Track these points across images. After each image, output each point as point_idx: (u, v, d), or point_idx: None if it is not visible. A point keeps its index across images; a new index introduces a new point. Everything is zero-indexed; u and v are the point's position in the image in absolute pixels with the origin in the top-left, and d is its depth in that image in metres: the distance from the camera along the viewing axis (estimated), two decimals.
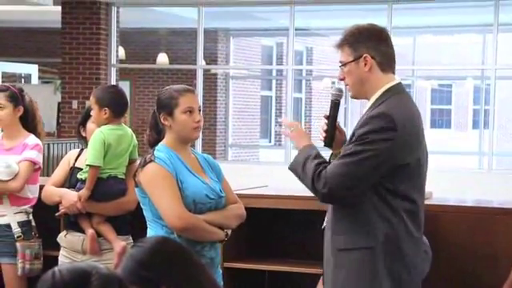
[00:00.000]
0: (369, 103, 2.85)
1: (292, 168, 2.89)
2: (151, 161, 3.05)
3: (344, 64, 2.85)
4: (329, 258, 2.88)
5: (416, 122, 2.83)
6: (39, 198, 3.96)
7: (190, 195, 3.05)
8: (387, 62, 2.84)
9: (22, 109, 4.01)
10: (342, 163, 2.73)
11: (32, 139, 4.00)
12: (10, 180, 3.90)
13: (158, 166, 3.04)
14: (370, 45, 2.81)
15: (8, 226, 3.93)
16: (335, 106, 2.94)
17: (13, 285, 3.93)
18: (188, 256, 1.97)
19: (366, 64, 2.80)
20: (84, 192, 3.65)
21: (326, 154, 2.99)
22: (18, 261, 3.89)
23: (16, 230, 3.92)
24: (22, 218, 3.96)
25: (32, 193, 4.00)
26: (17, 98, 4.00)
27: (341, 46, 2.86)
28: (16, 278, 3.93)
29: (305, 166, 2.81)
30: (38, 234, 3.99)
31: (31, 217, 4.00)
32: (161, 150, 3.10)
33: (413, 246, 2.81)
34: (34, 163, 3.95)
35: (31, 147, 3.96)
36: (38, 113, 4.13)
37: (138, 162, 3.77)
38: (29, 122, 4.04)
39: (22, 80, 15.15)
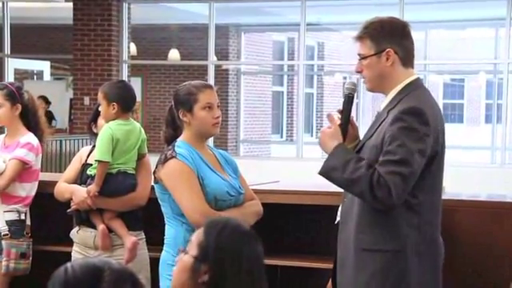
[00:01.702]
0: (388, 98, 2.81)
1: (325, 172, 2.73)
2: (172, 157, 3.04)
3: (364, 57, 2.79)
4: (346, 257, 2.82)
5: (441, 117, 2.81)
6: (51, 195, 3.96)
7: (211, 192, 3.04)
8: (408, 56, 2.80)
9: (19, 106, 4.00)
10: (398, 163, 2.61)
11: (26, 138, 3.98)
12: None
13: (180, 162, 3.03)
14: (393, 39, 2.76)
15: None
16: (349, 99, 2.88)
17: None
18: (243, 260, 1.96)
19: (388, 58, 2.76)
20: (93, 188, 3.65)
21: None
22: (3, 259, 3.90)
23: (3, 228, 3.92)
24: (12, 216, 3.95)
25: (26, 191, 3.99)
26: (14, 95, 3.99)
27: (361, 38, 2.79)
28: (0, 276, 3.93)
29: (348, 170, 2.66)
30: (47, 231, 4.00)
31: (24, 216, 3.99)
32: (181, 146, 3.09)
33: (437, 246, 2.80)
34: (23, 162, 3.94)
35: (21, 145, 3.95)
36: (40, 110, 4.13)
37: (149, 157, 3.78)
38: (29, 119, 4.03)
39: (35, 77, 15.21)
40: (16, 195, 3.97)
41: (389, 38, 2.76)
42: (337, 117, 2.89)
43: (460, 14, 13.43)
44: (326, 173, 2.74)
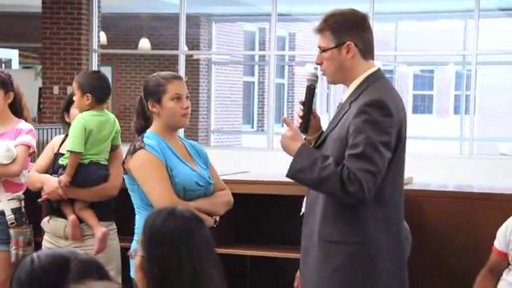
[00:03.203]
0: (349, 89, 2.83)
1: (293, 174, 2.74)
2: (141, 148, 3.05)
3: (325, 50, 2.81)
4: (310, 248, 2.83)
5: (403, 107, 2.84)
6: None
7: (180, 182, 3.06)
8: (368, 49, 2.82)
9: (12, 95, 3.99)
10: (365, 158, 2.63)
11: (25, 124, 3.99)
12: (9, 164, 3.88)
13: (148, 153, 3.04)
14: (353, 32, 2.78)
15: (1, 213, 3.91)
16: (311, 91, 2.90)
17: (2, 272, 3.91)
18: (190, 244, 1.97)
19: (348, 51, 2.78)
20: (64, 178, 3.64)
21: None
22: (12, 247, 3.87)
23: (10, 216, 3.90)
24: (15, 204, 3.94)
25: (24, 178, 3.99)
26: (7, 83, 3.99)
27: (322, 30, 2.81)
28: (5, 265, 3.90)
29: (316, 170, 2.66)
30: (28, 221, 3.98)
31: (23, 203, 3.99)
32: (150, 137, 3.10)
33: (402, 236, 2.82)
34: (29, 147, 3.94)
35: (26, 132, 3.95)
36: (24, 98, 4.11)
37: (122, 148, 3.78)
38: (16, 107, 4.03)
39: (3, 65, 15.03)
40: (18, 182, 3.97)
41: (349, 30, 2.78)
42: (299, 108, 2.90)
43: (429, 6, 13.52)
44: (293, 175, 2.75)
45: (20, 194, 3.97)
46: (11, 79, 4.02)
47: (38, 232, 3.93)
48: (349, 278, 2.75)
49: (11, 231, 3.89)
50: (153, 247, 1.94)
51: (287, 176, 2.77)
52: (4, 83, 3.97)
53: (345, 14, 2.82)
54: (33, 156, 4.03)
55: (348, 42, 2.77)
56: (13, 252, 3.88)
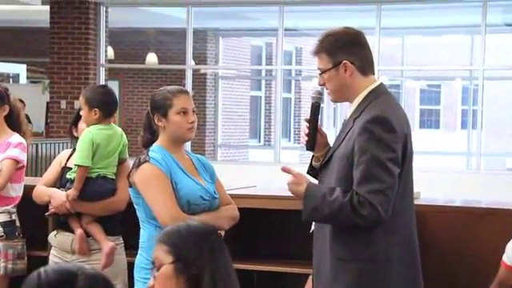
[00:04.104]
0: (352, 106, 2.84)
1: (309, 215, 2.77)
2: (146, 161, 3.07)
3: (324, 71, 2.83)
4: (322, 266, 2.83)
5: (406, 121, 2.84)
6: (30, 198, 3.95)
7: (184, 196, 3.06)
8: (367, 65, 2.83)
9: (7, 108, 4.00)
10: (373, 178, 2.64)
11: (16, 138, 3.99)
12: None
13: (153, 166, 3.05)
14: (348, 51, 2.79)
15: None
16: (316, 108, 2.92)
17: None
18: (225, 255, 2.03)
19: (346, 70, 2.79)
20: (72, 192, 3.65)
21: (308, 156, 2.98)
22: (1, 260, 3.89)
23: None
24: (5, 218, 3.94)
25: (16, 192, 3.99)
26: (3, 96, 3.99)
27: (318, 52, 2.83)
28: None
29: (327, 204, 2.69)
30: (23, 235, 3.98)
31: (14, 217, 3.98)
32: (155, 150, 3.11)
33: (416, 247, 2.82)
34: (16, 161, 3.93)
35: (14, 145, 3.95)
36: (22, 112, 4.13)
37: (129, 161, 3.78)
38: (13, 121, 4.03)
39: (11, 80, 15.10)
40: (7, 196, 3.96)
41: (344, 49, 2.79)
42: (305, 126, 2.92)
43: (436, 21, 13.54)
44: (310, 216, 2.78)
45: (10, 207, 3.96)
46: (8, 92, 4.03)
47: (45, 246, 3.93)
48: None
49: (0, 244, 3.89)
50: (186, 248, 1.96)
51: (304, 220, 2.80)
52: None
53: (338, 33, 2.84)
54: (23, 170, 4.01)
55: (344, 61, 2.79)
56: (1, 265, 3.89)
